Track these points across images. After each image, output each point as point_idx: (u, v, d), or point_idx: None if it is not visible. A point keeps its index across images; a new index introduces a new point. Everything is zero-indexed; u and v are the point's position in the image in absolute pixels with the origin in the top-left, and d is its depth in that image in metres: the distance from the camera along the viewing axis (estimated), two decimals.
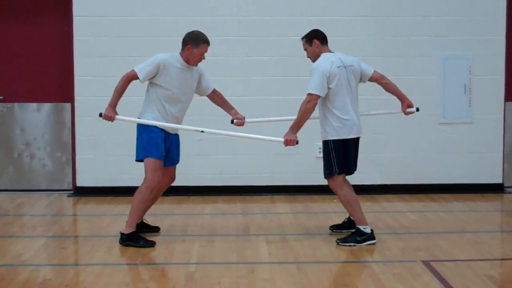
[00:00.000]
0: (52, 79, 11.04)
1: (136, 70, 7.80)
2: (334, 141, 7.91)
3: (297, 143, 7.89)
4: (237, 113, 8.43)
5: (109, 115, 7.85)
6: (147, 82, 7.94)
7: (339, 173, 7.96)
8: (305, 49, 8.15)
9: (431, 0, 10.86)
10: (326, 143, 7.97)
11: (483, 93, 10.94)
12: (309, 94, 7.78)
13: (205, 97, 8.41)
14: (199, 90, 8.23)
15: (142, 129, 7.88)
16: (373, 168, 10.71)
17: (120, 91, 7.83)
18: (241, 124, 8.41)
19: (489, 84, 10.95)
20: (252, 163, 10.93)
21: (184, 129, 8.10)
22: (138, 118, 7.93)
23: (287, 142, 7.87)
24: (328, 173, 8.00)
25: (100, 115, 7.87)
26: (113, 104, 7.86)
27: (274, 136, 8.11)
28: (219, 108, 8.49)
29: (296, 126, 7.87)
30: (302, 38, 8.17)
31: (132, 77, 7.81)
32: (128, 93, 7.96)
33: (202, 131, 8.18)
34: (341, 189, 7.99)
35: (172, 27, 10.47)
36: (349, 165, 8.04)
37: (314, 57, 8.09)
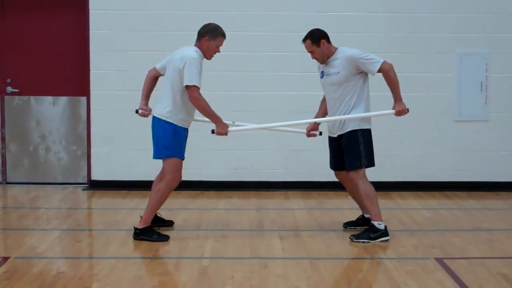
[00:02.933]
0: (68, 72, 11.07)
1: (196, 83, 7.64)
2: (363, 130, 7.90)
3: (408, 111, 7.87)
4: (145, 104, 8.21)
5: (223, 131, 7.85)
6: (169, 85, 7.83)
7: (366, 166, 7.95)
8: (311, 51, 8.04)
9: None
10: (354, 134, 7.90)
11: (499, 91, 10.90)
12: (382, 64, 7.77)
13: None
14: (163, 72, 8.07)
15: (168, 128, 7.81)
16: (388, 165, 10.69)
17: (209, 107, 7.75)
18: (145, 115, 8.18)
19: (505, 82, 10.90)
20: (267, 159, 10.94)
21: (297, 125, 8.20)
22: (162, 117, 7.81)
23: (399, 113, 7.85)
24: (357, 166, 7.92)
25: (213, 132, 7.86)
26: (220, 119, 7.84)
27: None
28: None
29: (399, 94, 7.83)
30: (304, 40, 8.05)
31: (197, 91, 7.67)
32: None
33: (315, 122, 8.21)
34: (363, 182, 7.95)
35: (188, 22, 10.47)
36: (373, 156, 8.04)
37: (322, 57, 8.02)
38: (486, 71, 10.89)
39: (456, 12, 10.82)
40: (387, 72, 7.79)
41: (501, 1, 10.83)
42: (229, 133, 7.91)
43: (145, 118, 8.17)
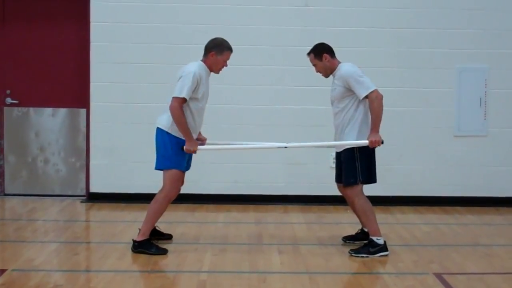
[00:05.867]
0: (68, 84, 11.06)
1: (181, 95, 7.63)
2: (361, 148, 7.89)
3: (382, 142, 7.83)
4: (200, 134, 8.30)
5: (193, 149, 7.81)
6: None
7: (362, 182, 7.93)
8: (314, 64, 8.09)
9: (448, 13, 10.82)
10: (351, 151, 7.90)
11: (499, 106, 10.90)
12: (370, 92, 7.74)
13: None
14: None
15: (170, 139, 7.82)
16: (387, 179, 10.66)
17: (184, 121, 7.69)
18: (202, 145, 8.25)
19: (504, 97, 10.90)
20: (267, 173, 10.92)
21: (268, 147, 8.11)
22: (165, 129, 7.82)
23: (372, 144, 7.79)
24: (352, 182, 7.93)
25: (182, 148, 7.85)
26: (191, 137, 7.79)
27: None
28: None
29: (377, 125, 7.78)
30: (309, 54, 8.11)
31: (181, 103, 7.67)
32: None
33: (286, 147, 8.18)
34: (359, 198, 7.95)
35: (189, 35, 10.50)
36: (373, 173, 8.02)
37: (325, 71, 8.06)
38: (485, 87, 10.89)
39: (456, 27, 10.83)
40: (371, 102, 7.77)
41: (500, 17, 10.84)
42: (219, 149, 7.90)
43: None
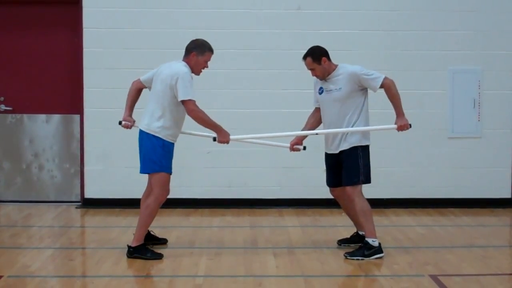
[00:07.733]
0: (61, 90, 11.06)
1: (193, 98, 7.67)
2: (363, 147, 7.93)
3: (410, 126, 7.93)
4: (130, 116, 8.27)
5: (225, 139, 7.90)
6: (159, 101, 7.80)
7: (363, 182, 7.94)
8: (312, 69, 8.03)
9: (440, 14, 10.85)
10: (354, 150, 7.90)
11: (492, 107, 10.93)
12: (384, 80, 7.82)
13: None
14: (147, 85, 8.12)
15: (157, 143, 7.79)
16: (381, 181, 10.67)
17: (208, 117, 7.77)
18: (128, 126, 8.24)
19: (498, 99, 10.93)
20: (261, 176, 10.92)
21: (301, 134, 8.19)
22: (150, 132, 7.80)
23: (402, 128, 7.90)
24: (355, 181, 7.90)
25: (214, 139, 7.93)
26: (221, 128, 7.89)
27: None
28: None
29: (401, 109, 7.89)
30: (305, 58, 8.05)
31: (195, 103, 7.70)
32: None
33: (317, 134, 8.16)
34: (359, 198, 7.93)
35: (181, 40, 10.36)
36: (370, 173, 8.03)
37: (323, 74, 8.03)
38: (479, 88, 10.91)
39: (448, 29, 10.86)
40: (389, 88, 7.84)
41: (492, 18, 10.87)
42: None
43: (131, 131, 8.16)
